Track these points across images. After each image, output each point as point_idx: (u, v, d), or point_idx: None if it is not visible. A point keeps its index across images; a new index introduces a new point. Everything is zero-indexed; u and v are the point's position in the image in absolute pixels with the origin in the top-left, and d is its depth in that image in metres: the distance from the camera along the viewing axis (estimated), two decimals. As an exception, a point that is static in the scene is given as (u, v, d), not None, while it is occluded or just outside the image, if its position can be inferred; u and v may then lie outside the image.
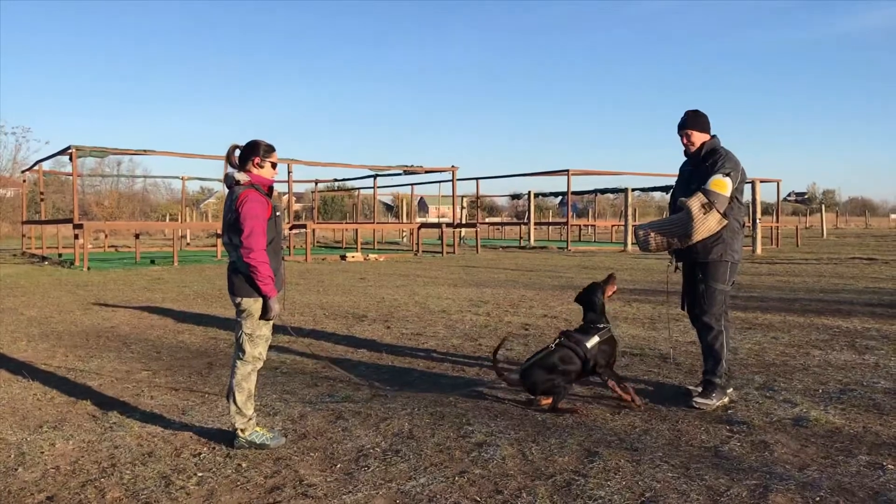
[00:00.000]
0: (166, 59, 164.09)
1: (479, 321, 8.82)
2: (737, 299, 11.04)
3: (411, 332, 8.12)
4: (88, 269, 18.29)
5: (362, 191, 41.21)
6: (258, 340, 4.27)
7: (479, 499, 3.43)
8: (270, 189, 4.41)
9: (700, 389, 5.10)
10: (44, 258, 22.30)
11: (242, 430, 4.18)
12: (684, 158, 5.34)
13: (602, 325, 5.14)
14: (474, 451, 4.10)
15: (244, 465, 3.95)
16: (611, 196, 59.74)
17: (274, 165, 4.42)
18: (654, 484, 3.58)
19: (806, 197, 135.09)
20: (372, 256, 22.60)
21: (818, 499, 3.35)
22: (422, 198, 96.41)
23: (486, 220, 59.90)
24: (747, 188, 26.92)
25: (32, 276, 16.33)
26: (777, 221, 34.02)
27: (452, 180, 26.10)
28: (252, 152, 4.30)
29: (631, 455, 4.00)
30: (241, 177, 4.25)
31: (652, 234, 5.05)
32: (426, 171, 26.16)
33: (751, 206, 23.03)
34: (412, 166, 25.59)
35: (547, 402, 4.92)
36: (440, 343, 7.42)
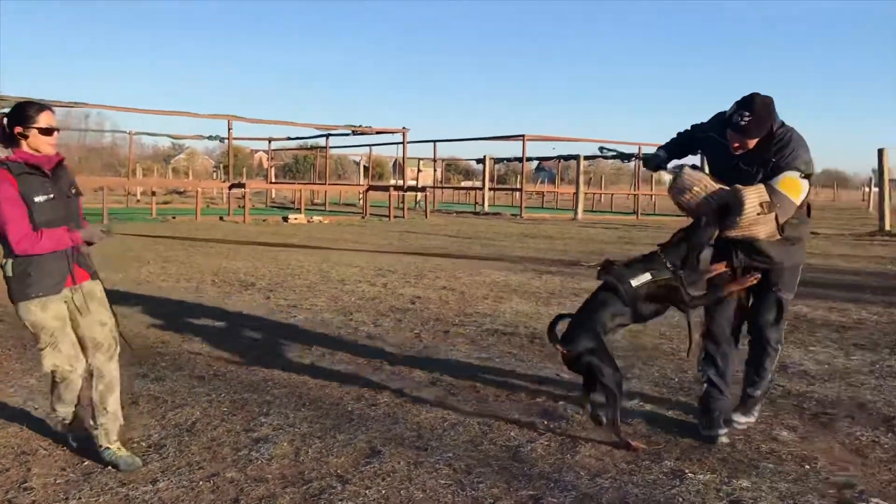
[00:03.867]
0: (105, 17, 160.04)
1: (369, 293, 8.39)
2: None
3: (289, 303, 7.67)
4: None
5: (339, 150, 40.41)
6: (56, 344, 3.42)
7: (209, 509, 3.02)
8: (59, 164, 3.46)
9: (740, 405, 4.11)
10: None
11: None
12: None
13: (670, 266, 3.82)
14: (246, 448, 3.69)
15: (-22, 460, 3.51)
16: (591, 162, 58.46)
17: (47, 132, 3.37)
18: (417, 493, 3.19)
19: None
20: (316, 219, 22.05)
21: (586, 515, 2.98)
22: (396, 160, 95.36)
23: (462, 184, 59.31)
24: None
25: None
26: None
27: (403, 143, 25.51)
28: (13, 121, 3.35)
29: (416, 456, 3.61)
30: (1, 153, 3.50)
31: (695, 188, 3.81)
32: (377, 132, 25.54)
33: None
34: (361, 126, 24.94)
35: (638, 445, 3.72)
36: (310, 317, 6.99)
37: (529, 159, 35.81)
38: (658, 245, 3.83)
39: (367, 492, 3.20)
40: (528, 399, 4.55)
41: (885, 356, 5.75)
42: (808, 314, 7.39)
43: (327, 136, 29.68)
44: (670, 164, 4.19)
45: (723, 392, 3.98)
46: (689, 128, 4.23)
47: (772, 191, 3.67)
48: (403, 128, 25.07)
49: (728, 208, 3.69)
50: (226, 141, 23.73)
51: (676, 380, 5.04)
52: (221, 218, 20.87)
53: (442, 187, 41.85)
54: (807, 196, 3.76)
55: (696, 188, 3.82)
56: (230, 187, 21.66)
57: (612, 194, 41.67)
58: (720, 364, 4.02)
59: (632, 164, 38.80)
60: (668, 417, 4.27)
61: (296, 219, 21.53)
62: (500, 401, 4.52)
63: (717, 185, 3.77)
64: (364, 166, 40.04)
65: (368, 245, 14.45)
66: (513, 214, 27.48)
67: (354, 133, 25.68)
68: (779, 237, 3.75)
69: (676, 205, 3.95)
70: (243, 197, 21.38)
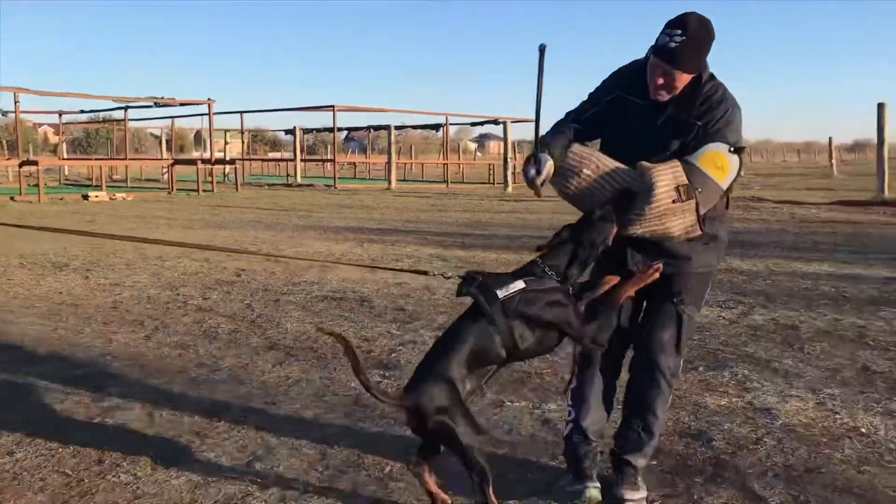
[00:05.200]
0: None
1: (192, 268, 8.41)
2: (466, 237, 11.48)
3: (110, 281, 7.56)
4: None
5: (137, 123, 38.12)
6: None
7: (73, 471, 3.19)
8: None
9: (617, 475, 3.00)
10: None
11: None
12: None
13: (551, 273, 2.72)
14: (99, 416, 3.83)
15: None
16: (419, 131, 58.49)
17: None
18: (272, 439, 3.53)
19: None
20: (119, 195, 21.05)
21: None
22: (198, 131, 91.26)
23: (269, 155, 58.05)
24: (501, 130, 27.52)
25: None
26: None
27: (209, 114, 24.82)
28: None
29: (266, 409, 3.94)
30: None
31: (585, 171, 2.80)
32: (181, 104, 24.64)
33: (503, 145, 24.05)
34: (164, 98, 23.97)
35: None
36: (136, 293, 6.97)
37: (339, 129, 35.91)
38: (537, 248, 2.82)
39: (225, 443, 3.49)
40: (364, 355, 4.96)
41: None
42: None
43: (126, 108, 28.21)
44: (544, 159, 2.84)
45: (589, 439, 3.04)
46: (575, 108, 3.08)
47: (691, 170, 2.70)
48: (209, 99, 24.38)
49: (630, 195, 2.72)
50: (11, 115, 21.96)
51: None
52: (12, 198, 19.40)
53: (251, 159, 40.92)
54: (735, 179, 2.81)
55: (585, 171, 2.81)
56: (20, 165, 20.12)
57: (423, 163, 42.72)
58: (591, 399, 3.04)
59: (440, 133, 40.01)
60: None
61: (97, 196, 20.46)
62: (338, 358, 4.89)
63: (614, 164, 2.81)
64: (167, 139, 38.25)
65: (180, 222, 14.16)
66: (326, 185, 27.57)
67: (157, 105, 24.62)
68: (699, 233, 2.76)
69: (561, 196, 2.93)
70: (32, 175, 19.96)
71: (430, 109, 40.14)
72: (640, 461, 2.99)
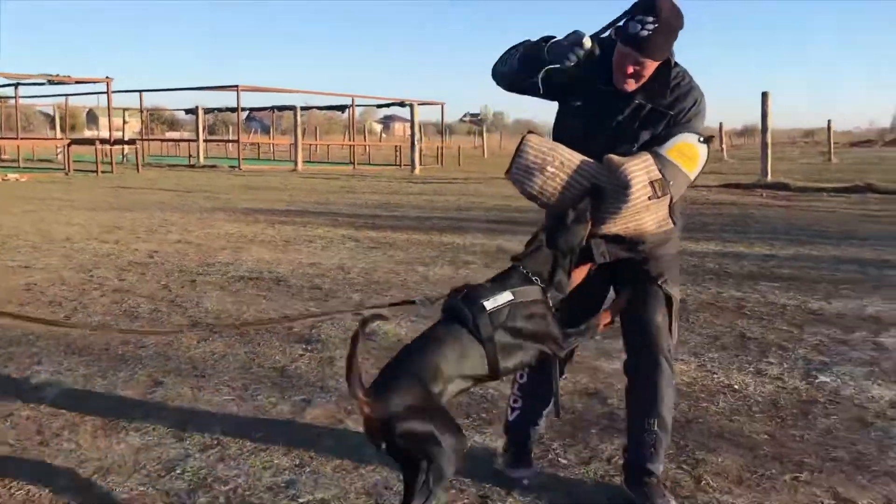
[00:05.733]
0: None
1: (102, 250, 8.38)
2: (377, 218, 11.75)
3: (19, 264, 7.49)
4: None
5: (24, 100, 36.25)
6: None
7: (15, 441, 3.34)
8: None
9: (643, 489, 2.81)
10: None
11: None
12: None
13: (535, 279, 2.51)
14: (30, 391, 3.95)
15: None
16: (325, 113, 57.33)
17: None
18: (205, 408, 3.76)
19: (479, 118, 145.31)
20: (12, 176, 20.26)
21: (350, 408, 3.75)
22: (90, 110, 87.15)
23: (167, 135, 56.35)
24: (407, 111, 27.86)
25: None
26: (443, 142, 36.45)
27: (108, 92, 24.07)
28: None
29: (197, 382, 4.13)
30: None
31: (549, 168, 2.57)
32: (76, 82, 23.80)
33: (411, 127, 24.35)
34: (58, 76, 23.09)
35: None
36: (49, 276, 6.94)
37: (243, 109, 35.33)
38: (512, 258, 2.60)
39: (161, 413, 3.69)
40: (286, 331, 5.19)
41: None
42: (506, 246, 8.78)
43: (16, 85, 26.98)
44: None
45: (537, 424, 3.08)
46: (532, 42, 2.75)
47: (663, 163, 2.56)
48: (107, 77, 23.62)
49: (601, 194, 2.55)
50: None
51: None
52: None
53: (149, 139, 39.74)
54: (702, 169, 2.69)
55: (549, 168, 2.58)
56: None
57: (329, 145, 42.50)
58: (540, 390, 2.99)
59: (344, 115, 39.90)
60: (400, 332, 5.17)
61: (-13, 177, 19.63)
62: (261, 334, 5.12)
63: (578, 158, 2.61)
64: (60, 117, 36.69)
65: (82, 203, 13.85)
66: (231, 167, 27.21)
67: (51, 83, 23.69)
68: (671, 226, 2.66)
69: (524, 195, 2.69)
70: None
71: (336, 90, 40.06)
72: (660, 468, 2.83)
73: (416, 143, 24.45)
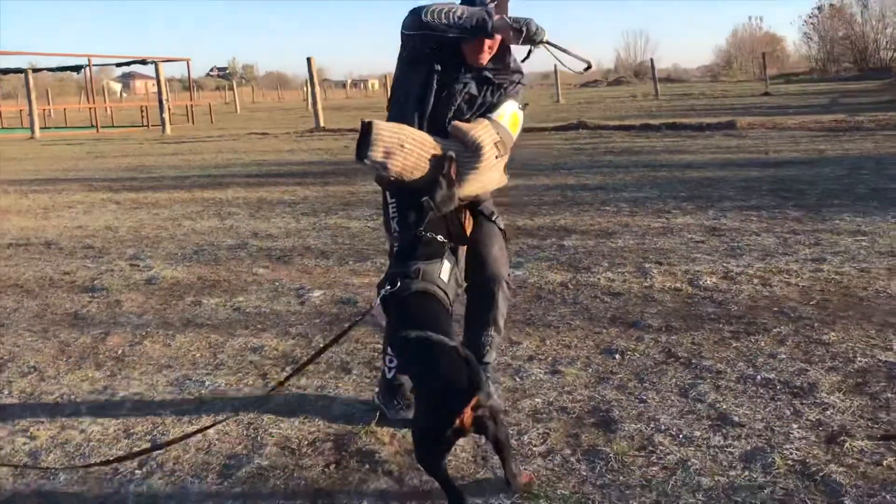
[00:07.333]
0: None
1: None
2: (135, 180, 11.95)
3: None
4: None
5: None
6: None
7: None
8: None
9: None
10: None
11: None
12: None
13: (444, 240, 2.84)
14: None
15: None
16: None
17: None
18: (14, 349, 4.35)
19: (227, 72, 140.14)
20: None
21: (146, 333, 4.51)
22: None
23: None
24: (150, 69, 26.87)
25: None
26: (192, 99, 35.53)
27: None
28: None
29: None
30: None
31: (406, 144, 2.76)
32: None
33: (157, 87, 23.81)
34: None
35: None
36: None
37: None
38: (414, 230, 2.80)
39: (-29, 357, 4.24)
40: (67, 285, 5.72)
41: (322, 217, 8.17)
42: (267, 197, 9.59)
43: None
44: None
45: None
46: None
47: (497, 127, 2.90)
48: None
49: (453, 160, 2.83)
50: None
51: (179, 254, 6.66)
52: None
53: None
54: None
55: (406, 144, 2.76)
56: None
57: (65, 108, 39.68)
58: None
59: (79, 75, 37.37)
60: (176, 275, 5.90)
61: None
62: (46, 289, 5.61)
63: (421, 133, 2.85)
64: None
65: None
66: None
67: None
68: (505, 181, 3.03)
69: (384, 181, 2.92)
70: None
71: (67, 50, 37.28)
72: (493, 355, 3.27)
73: (164, 102, 23.95)
